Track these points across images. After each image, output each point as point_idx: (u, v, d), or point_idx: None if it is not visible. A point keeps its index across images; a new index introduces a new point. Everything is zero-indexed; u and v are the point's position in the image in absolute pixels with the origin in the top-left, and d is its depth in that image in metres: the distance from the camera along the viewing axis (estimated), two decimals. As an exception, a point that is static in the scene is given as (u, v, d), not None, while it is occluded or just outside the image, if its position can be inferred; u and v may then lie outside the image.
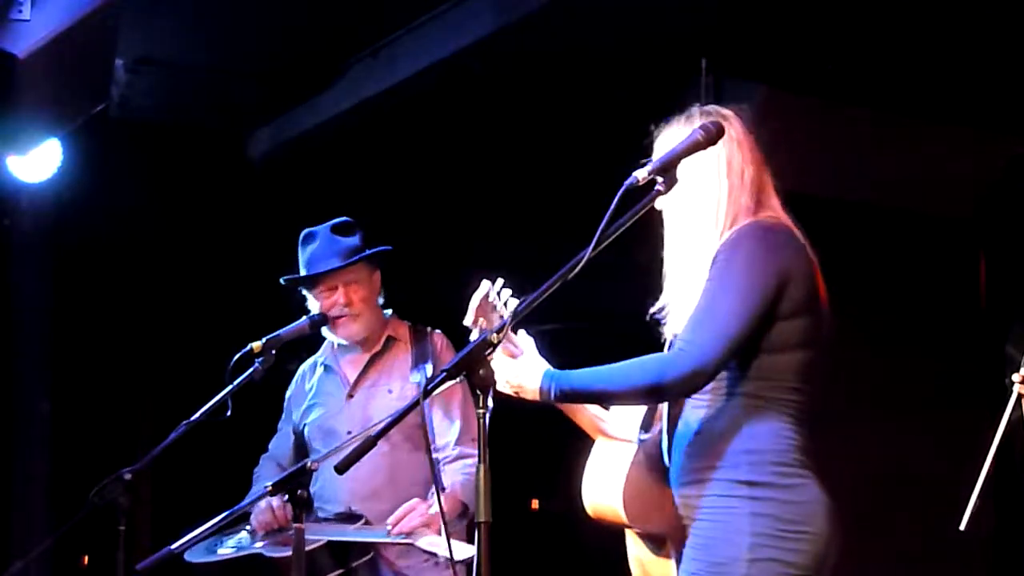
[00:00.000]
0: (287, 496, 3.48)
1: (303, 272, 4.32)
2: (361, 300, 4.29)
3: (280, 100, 6.25)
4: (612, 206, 2.73)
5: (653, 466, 3.06)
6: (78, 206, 6.22)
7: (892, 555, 6.03)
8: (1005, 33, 5.09)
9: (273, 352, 3.96)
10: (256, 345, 3.94)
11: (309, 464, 3.46)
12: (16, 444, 6.25)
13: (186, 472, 5.70)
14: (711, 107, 3.08)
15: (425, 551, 3.88)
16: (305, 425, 4.40)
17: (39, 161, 5.83)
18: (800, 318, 2.94)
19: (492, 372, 2.68)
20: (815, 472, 2.96)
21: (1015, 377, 4.09)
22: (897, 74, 5.48)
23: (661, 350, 3.04)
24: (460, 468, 4.14)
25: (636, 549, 3.15)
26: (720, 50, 5.39)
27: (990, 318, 6.35)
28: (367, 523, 4.08)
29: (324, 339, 4.43)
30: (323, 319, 4.27)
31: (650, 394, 2.91)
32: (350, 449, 2.82)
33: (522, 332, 2.92)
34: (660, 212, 3.02)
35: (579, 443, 3.28)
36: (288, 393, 4.53)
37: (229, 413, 3.83)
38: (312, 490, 4.14)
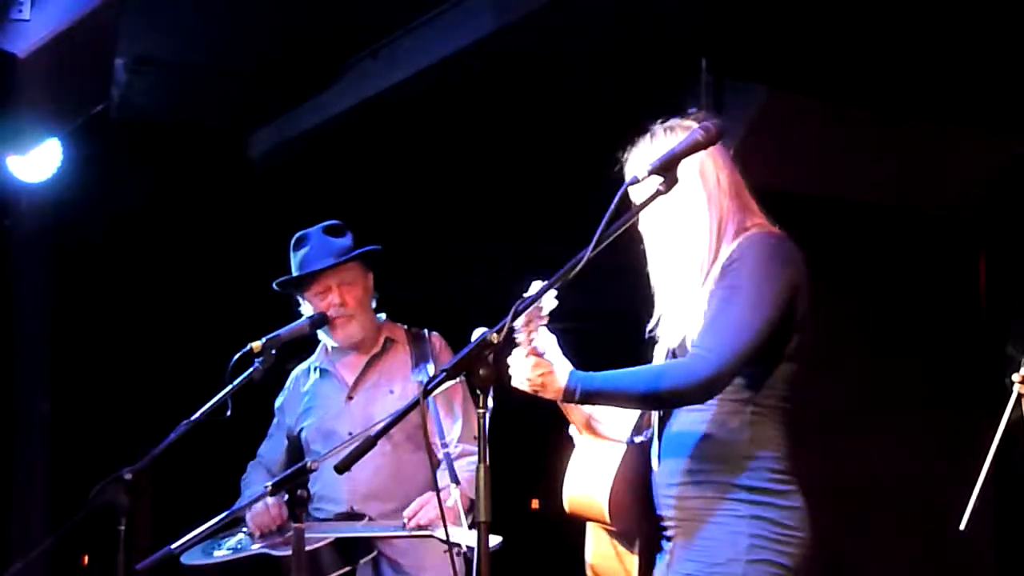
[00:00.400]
0: (287, 496, 3.48)
1: (296, 274, 4.32)
2: (355, 300, 4.29)
3: (280, 100, 6.25)
4: (612, 206, 2.74)
5: (639, 468, 3.09)
6: (78, 206, 6.21)
7: (892, 555, 6.03)
8: (1005, 33, 5.09)
9: (273, 352, 3.96)
10: (256, 345, 3.94)
11: (309, 464, 3.46)
12: (16, 444, 6.25)
13: (186, 472, 5.69)
14: (673, 121, 3.12)
15: (444, 541, 3.88)
16: (302, 429, 4.39)
17: (39, 161, 5.83)
18: (799, 331, 3.00)
19: (492, 372, 2.69)
20: (800, 480, 3.03)
21: (1015, 377, 4.09)
22: (897, 74, 5.48)
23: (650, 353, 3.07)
24: (465, 465, 4.15)
25: (600, 546, 3.15)
26: (720, 50, 5.39)
27: (990, 318, 6.35)
28: (371, 521, 4.09)
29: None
30: (323, 319, 4.27)
31: (670, 398, 2.96)
32: (350, 449, 2.83)
33: (543, 330, 2.92)
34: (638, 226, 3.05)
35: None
36: (279, 400, 4.52)
37: (229, 413, 3.83)
38: (312, 491, 4.14)
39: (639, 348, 3.23)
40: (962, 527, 3.92)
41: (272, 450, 4.49)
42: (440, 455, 4.12)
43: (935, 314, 6.35)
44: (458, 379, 2.73)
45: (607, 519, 3.05)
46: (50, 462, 6.21)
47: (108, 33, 4.95)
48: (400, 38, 5.64)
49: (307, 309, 4.32)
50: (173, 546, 3.73)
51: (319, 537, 3.99)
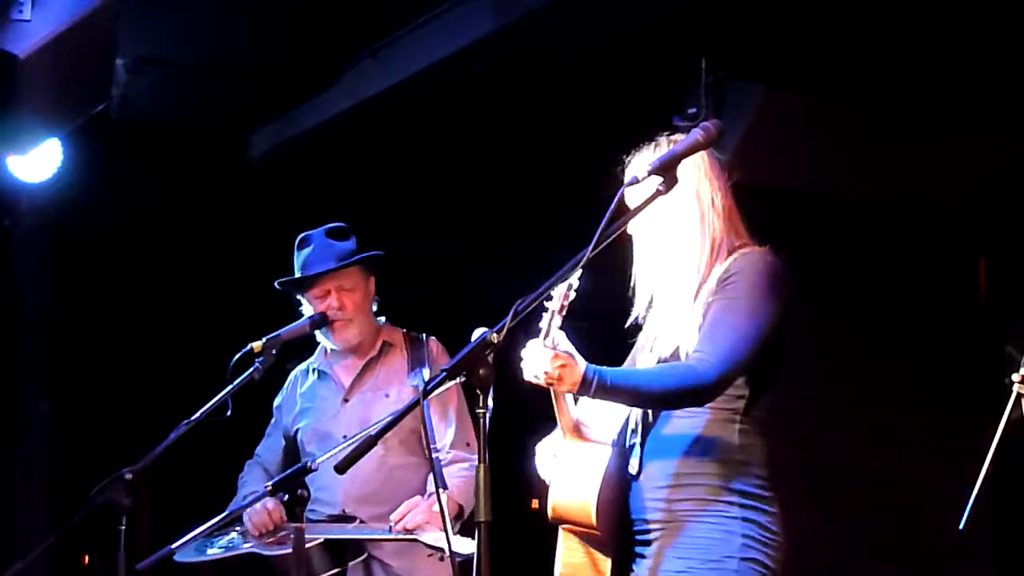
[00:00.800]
0: (287, 496, 3.48)
1: (297, 275, 4.33)
2: (353, 305, 4.30)
3: (280, 100, 6.25)
4: (612, 206, 2.75)
5: (619, 472, 3.13)
6: (78, 206, 6.21)
7: (892, 555, 6.03)
8: (1005, 34, 5.09)
9: (273, 352, 3.96)
10: (256, 345, 3.94)
11: (309, 464, 3.47)
12: (16, 444, 6.25)
13: (186, 472, 5.69)
14: (678, 135, 3.17)
15: (429, 546, 3.89)
16: (298, 430, 4.40)
17: (39, 161, 5.83)
18: (783, 349, 3.12)
19: (492, 372, 2.69)
20: (782, 487, 3.17)
21: (1015, 377, 4.09)
22: (897, 74, 5.48)
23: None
24: (455, 471, 4.15)
25: (571, 555, 3.16)
26: (720, 50, 5.38)
27: (990, 318, 6.35)
28: (362, 524, 4.10)
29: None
30: (323, 319, 4.28)
31: (677, 398, 3.03)
32: (350, 449, 2.83)
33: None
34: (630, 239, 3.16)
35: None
36: (278, 400, 4.53)
37: (229, 413, 3.83)
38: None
39: (624, 348, 3.27)
40: (962, 527, 3.93)
41: (269, 450, 4.50)
42: (440, 457, 4.12)
43: (935, 314, 6.35)
44: (457, 380, 2.73)
45: (593, 522, 3.05)
46: (50, 462, 6.21)
47: (108, 33, 4.95)
48: (400, 38, 5.64)
49: (308, 309, 4.33)
50: (174, 546, 3.73)
51: (308, 538, 4.00)
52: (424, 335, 4.39)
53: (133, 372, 6.64)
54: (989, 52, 5.24)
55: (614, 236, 2.79)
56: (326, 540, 4.00)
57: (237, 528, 4.20)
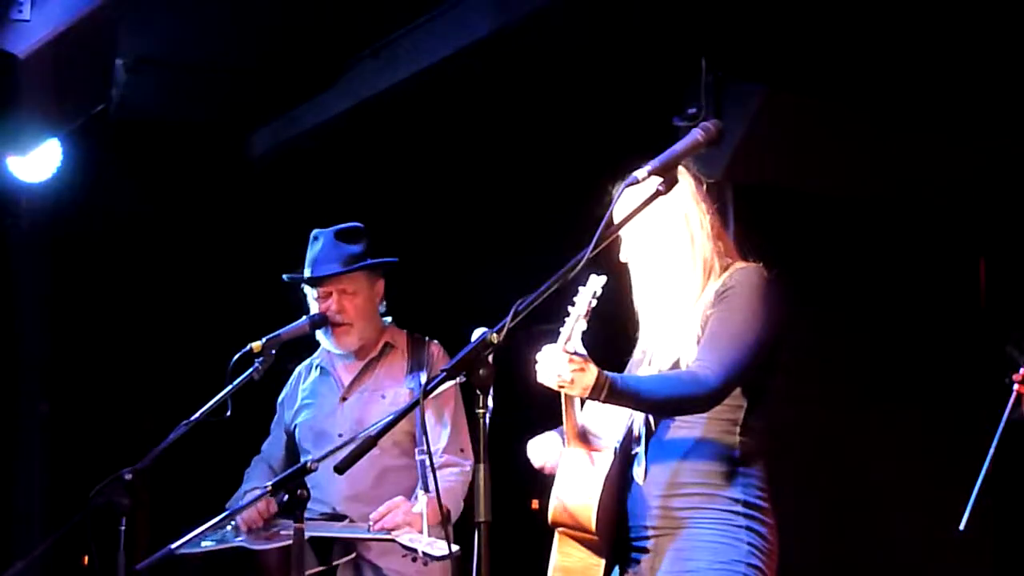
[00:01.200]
0: (287, 496, 3.49)
1: (306, 272, 4.34)
2: (354, 309, 4.30)
3: (280, 100, 6.25)
4: (612, 206, 2.76)
5: (619, 479, 3.17)
6: (78, 206, 6.21)
7: (892, 555, 6.02)
8: (1005, 34, 5.08)
9: (273, 352, 3.97)
10: (256, 345, 3.95)
11: (309, 464, 3.47)
12: (16, 444, 6.25)
13: (186, 472, 5.69)
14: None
15: (404, 546, 3.90)
16: (296, 426, 4.41)
17: (39, 161, 5.84)
18: (777, 363, 3.18)
19: (492, 372, 2.69)
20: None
21: (1015, 377, 4.09)
22: (897, 74, 5.48)
23: None
24: (445, 475, 4.17)
25: (566, 559, 3.18)
26: (720, 50, 5.38)
27: (990, 318, 6.34)
28: (352, 523, 4.10)
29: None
30: (323, 319, 4.28)
31: (683, 403, 3.09)
32: (350, 449, 2.83)
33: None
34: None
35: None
36: (281, 395, 4.54)
37: (229, 413, 3.83)
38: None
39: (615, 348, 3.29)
40: (962, 527, 3.93)
41: (273, 445, 4.52)
42: (427, 460, 4.13)
43: (935, 314, 6.34)
44: (457, 380, 2.73)
45: (593, 527, 3.08)
46: (50, 462, 6.21)
47: (108, 33, 4.96)
48: (400, 38, 5.64)
49: (314, 303, 4.34)
50: (173, 545, 3.73)
51: (289, 535, 4.03)
52: (427, 338, 4.40)
53: (133, 372, 6.64)
54: (989, 52, 5.24)
55: (613, 237, 2.78)
56: (310, 538, 4.00)
57: (232, 523, 4.21)
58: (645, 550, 3.15)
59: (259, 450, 4.57)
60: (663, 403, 3.09)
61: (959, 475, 4.33)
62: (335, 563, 4.07)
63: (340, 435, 4.22)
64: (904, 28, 5.11)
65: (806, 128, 5.66)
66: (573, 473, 3.14)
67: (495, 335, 2.69)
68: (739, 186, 5.33)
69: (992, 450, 3.98)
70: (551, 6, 4.96)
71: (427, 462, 4.12)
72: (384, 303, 4.42)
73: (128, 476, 3.69)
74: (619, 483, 3.17)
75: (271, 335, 4.02)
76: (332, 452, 3.87)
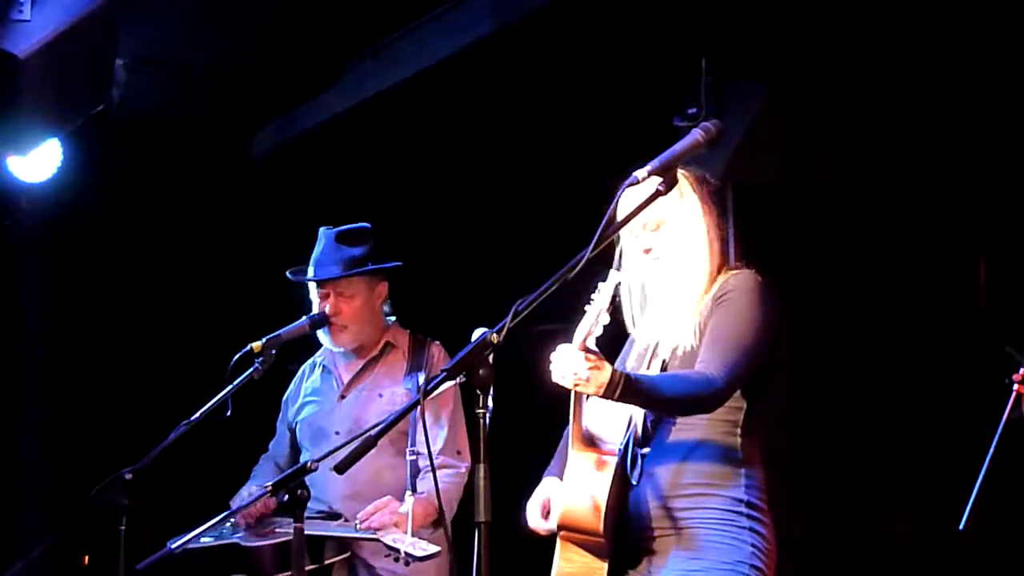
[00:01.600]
0: (287, 496, 3.49)
1: (309, 271, 4.35)
2: (351, 312, 4.31)
3: (280, 100, 6.25)
4: (612, 206, 2.77)
5: (621, 481, 3.19)
6: (78, 206, 6.21)
7: (892, 555, 6.02)
8: (1005, 34, 5.08)
9: (273, 352, 3.98)
10: (256, 345, 3.95)
11: (309, 464, 3.48)
12: (16, 444, 6.25)
13: (186, 472, 5.69)
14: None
15: (387, 546, 3.90)
16: (297, 422, 4.44)
17: (39, 161, 5.84)
18: (774, 365, 3.24)
19: (492, 372, 2.69)
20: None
21: (1015, 377, 4.09)
22: (897, 74, 5.48)
23: None
24: (439, 476, 4.15)
25: (568, 564, 3.19)
26: (720, 50, 5.38)
27: (990, 318, 6.34)
28: (346, 522, 4.11)
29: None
30: (323, 319, 4.29)
31: (692, 401, 3.12)
32: (350, 449, 2.83)
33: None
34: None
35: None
36: (286, 393, 4.56)
37: (229, 413, 3.83)
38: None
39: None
40: (962, 527, 3.93)
41: (278, 443, 4.55)
42: (419, 461, 4.14)
43: (935, 314, 6.34)
44: (457, 380, 2.73)
45: (600, 529, 3.10)
46: (50, 462, 6.20)
47: (108, 33, 4.95)
48: (400, 38, 5.64)
49: (316, 300, 4.36)
50: (173, 545, 3.74)
51: (280, 532, 4.04)
52: (428, 339, 4.40)
53: (133, 372, 6.64)
54: (989, 52, 5.24)
55: (613, 237, 2.79)
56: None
57: (231, 520, 4.22)
58: (648, 551, 3.17)
59: (259, 450, 4.58)
60: (674, 401, 3.11)
61: (959, 475, 4.33)
62: (327, 561, 4.08)
63: (337, 432, 4.23)
64: (904, 28, 5.11)
65: (806, 128, 5.65)
66: (579, 477, 3.15)
67: (495, 335, 2.69)
68: (739, 186, 5.33)
69: (992, 450, 3.98)
70: (551, 6, 4.96)
71: (418, 462, 4.13)
72: (388, 303, 4.43)
73: (128, 476, 3.69)
74: (624, 485, 3.19)
75: (271, 335, 4.02)
76: (332, 452, 3.87)
